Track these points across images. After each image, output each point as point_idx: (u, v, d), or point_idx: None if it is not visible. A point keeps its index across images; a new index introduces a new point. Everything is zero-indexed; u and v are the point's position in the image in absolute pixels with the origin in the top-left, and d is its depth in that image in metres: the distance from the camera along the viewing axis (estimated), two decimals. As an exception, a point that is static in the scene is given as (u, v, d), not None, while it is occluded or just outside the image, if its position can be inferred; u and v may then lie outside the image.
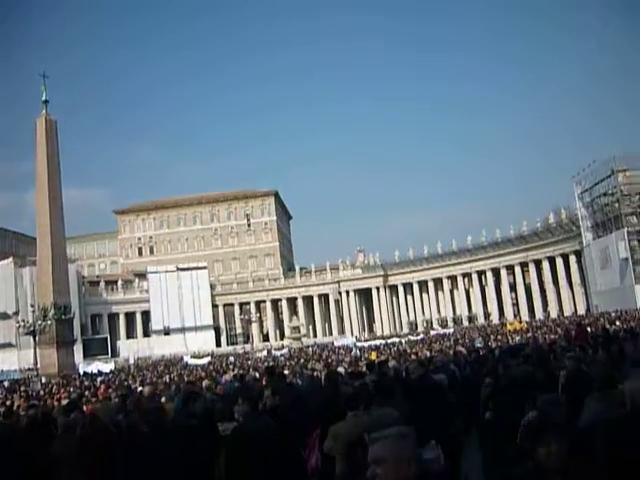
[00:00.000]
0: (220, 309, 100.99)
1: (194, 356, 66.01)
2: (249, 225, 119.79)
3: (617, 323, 34.36)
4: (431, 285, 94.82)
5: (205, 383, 16.72)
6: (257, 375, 19.69)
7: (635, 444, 4.36)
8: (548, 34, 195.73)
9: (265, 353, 61.95)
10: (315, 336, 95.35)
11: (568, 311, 75.20)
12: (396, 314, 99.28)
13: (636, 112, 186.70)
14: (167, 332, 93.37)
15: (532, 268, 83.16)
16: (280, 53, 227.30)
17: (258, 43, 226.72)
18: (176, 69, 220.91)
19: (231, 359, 54.73)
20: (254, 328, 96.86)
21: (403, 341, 52.48)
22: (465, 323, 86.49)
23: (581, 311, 71.63)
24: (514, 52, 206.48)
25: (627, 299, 59.17)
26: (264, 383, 12.53)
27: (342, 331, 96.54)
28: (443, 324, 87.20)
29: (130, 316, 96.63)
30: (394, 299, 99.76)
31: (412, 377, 9.16)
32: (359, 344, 56.00)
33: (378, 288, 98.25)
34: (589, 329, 29.53)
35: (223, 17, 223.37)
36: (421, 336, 60.47)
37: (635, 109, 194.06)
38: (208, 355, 66.25)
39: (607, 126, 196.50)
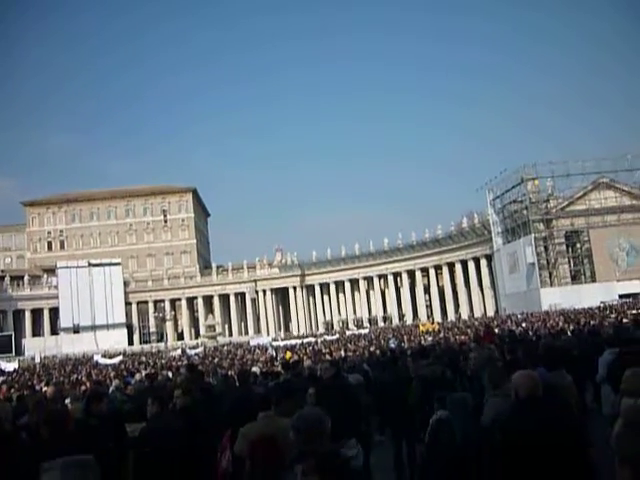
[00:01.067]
0: (133, 307, 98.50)
1: (105, 355, 63.99)
2: (166, 221, 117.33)
3: (523, 325, 35.74)
4: (347, 286, 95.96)
5: (115, 383, 16.22)
6: (169, 375, 19.27)
7: (518, 431, 4.74)
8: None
9: (179, 352, 60.80)
10: (231, 335, 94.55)
11: (478, 313, 77.87)
12: (312, 314, 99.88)
13: (548, 120, 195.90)
14: (77, 330, 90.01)
15: (445, 271, 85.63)
16: (206, 49, 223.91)
17: (178, 33, 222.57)
18: (100, 64, 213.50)
19: (143, 358, 53.41)
20: (168, 327, 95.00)
21: (319, 341, 52.72)
22: (380, 323, 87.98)
23: (490, 313, 74.27)
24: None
25: (533, 302, 61.83)
26: (177, 382, 12.26)
27: (258, 330, 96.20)
28: (359, 324, 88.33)
29: (37, 313, 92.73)
30: (311, 299, 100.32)
31: (325, 377, 9.17)
32: (275, 343, 55.88)
33: (295, 288, 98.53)
34: (497, 330, 30.68)
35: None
36: (336, 336, 60.94)
37: (548, 116, 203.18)
38: (120, 354, 64.35)
39: (520, 133, 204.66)
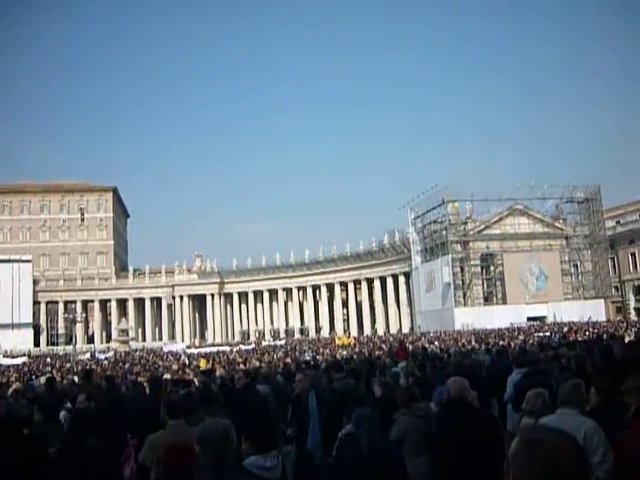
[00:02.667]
0: (42, 306, 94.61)
1: (7, 355, 61.16)
2: (83, 220, 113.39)
3: (435, 343, 36.52)
4: (266, 296, 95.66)
5: (15, 386, 15.48)
6: (75, 379, 18.54)
7: (451, 421, 5.62)
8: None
9: (88, 356, 58.86)
10: (144, 340, 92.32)
11: (394, 329, 79.17)
12: (229, 322, 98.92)
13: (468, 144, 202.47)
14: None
15: (364, 286, 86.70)
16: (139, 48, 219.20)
17: (105, 33, 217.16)
18: (20, 53, 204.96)
19: (48, 360, 51.35)
20: (79, 329, 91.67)
21: (234, 350, 52.23)
22: (297, 335, 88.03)
23: (406, 329, 75.65)
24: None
25: (447, 321, 63.49)
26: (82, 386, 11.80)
27: (173, 337, 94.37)
28: (275, 335, 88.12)
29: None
30: (229, 307, 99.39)
31: (237, 386, 9.07)
32: (189, 351, 55.01)
33: (213, 295, 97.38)
34: (413, 347, 31.25)
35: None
36: (252, 346, 60.57)
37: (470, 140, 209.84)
38: (24, 355, 61.69)
39: (443, 155, 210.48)
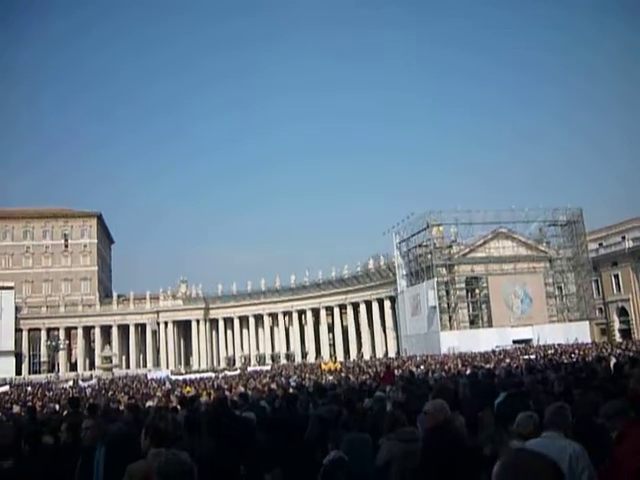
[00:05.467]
0: (24, 334, 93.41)
1: (-12, 384, 60.15)
2: (66, 246, 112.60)
3: (421, 367, 36.47)
4: (252, 321, 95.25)
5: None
6: (57, 407, 18.25)
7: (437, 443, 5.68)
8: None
9: (71, 383, 58.06)
10: (128, 367, 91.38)
11: (380, 353, 78.95)
12: (215, 348, 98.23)
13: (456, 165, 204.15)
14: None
15: (350, 310, 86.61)
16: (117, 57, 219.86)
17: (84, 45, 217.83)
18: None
19: (29, 389, 50.53)
20: (61, 356, 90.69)
21: (220, 376, 51.84)
22: (283, 361, 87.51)
23: (392, 354, 75.38)
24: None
25: (433, 344, 63.40)
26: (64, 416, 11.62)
27: (158, 363, 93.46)
28: (261, 361, 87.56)
29: None
30: (214, 333, 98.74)
31: (224, 413, 8.96)
32: (173, 377, 54.46)
33: (198, 321, 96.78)
34: (399, 371, 31.16)
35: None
36: (238, 372, 60.12)
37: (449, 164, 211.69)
38: (5, 384, 60.68)
39: (429, 179, 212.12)
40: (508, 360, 35.29)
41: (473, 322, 69.51)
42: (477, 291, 71.08)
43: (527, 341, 61.81)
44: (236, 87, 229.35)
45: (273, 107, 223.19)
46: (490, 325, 67.05)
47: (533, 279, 68.84)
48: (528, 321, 66.25)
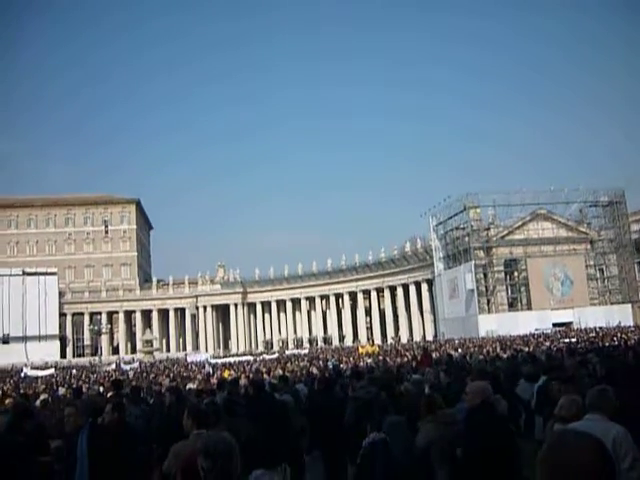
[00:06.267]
0: (68, 318, 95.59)
1: (35, 367, 61.79)
2: (107, 232, 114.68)
3: (459, 350, 36.25)
4: (289, 305, 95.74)
5: (42, 397, 15.64)
6: (101, 389, 18.69)
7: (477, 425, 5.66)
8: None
9: (113, 366, 59.30)
10: (169, 351, 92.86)
11: (418, 336, 78.72)
12: (253, 332, 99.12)
13: (492, 149, 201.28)
14: (6, 340, 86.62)
15: (387, 294, 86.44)
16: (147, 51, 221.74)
17: (115, 29, 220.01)
18: (39, 63, 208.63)
19: (74, 372, 51.78)
20: (104, 340, 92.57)
21: (258, 359, 52.30)
22: (320, 344, 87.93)
23: (429, 337, 75.17)
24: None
25: (471, 328, 62.95)
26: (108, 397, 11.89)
27: (197, 347, 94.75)
28: (298, 344, 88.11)
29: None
30: (252, 317, 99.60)
31: (260, 396, 9.08)
32: (213, 361, 55.10)
33: (236, 305, 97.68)
34: (437, 354, 31.06)
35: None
36: (276, 355, 60.55)
37: (492, 145, 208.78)
38: (51, 367, 62.26)
39: (464, 162, 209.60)
40: (548, 343, 34.85)
41: (512, 305, 68.80)
42: (516, 274, 70.26)
43: (568, 324, 60.94)
44: (285, 70, 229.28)
45: (324, 91, 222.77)
46: (529, 308, 66.29)
47: (574, 261, 67.69)
48: (569, 304, 65.30)
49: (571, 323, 61.84)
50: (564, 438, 2.07)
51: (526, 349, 27.62)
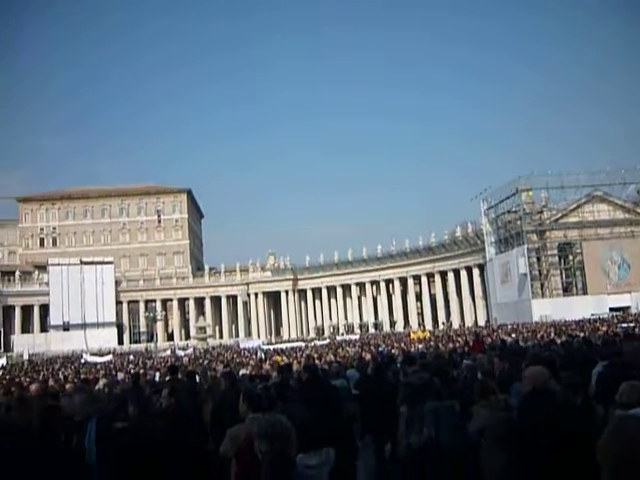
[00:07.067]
0: (124, 306, 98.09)
1: (94, 354, 63.77)
2: (159, 221, 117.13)
3: (513, 335, 35.77)
4: (339, 291, 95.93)
5: (102, 382, 16.13)
6: (157, 375, 19.16)
7: (535, 412, 5.53)
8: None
9: (169, 353, 60.67)
10: (221, 337, 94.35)
11: (469, 322, 77.95)
12: (304, 318, 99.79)
13: (539, 133, 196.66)
14: (66, 328, 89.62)
15: (438, 279, 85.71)
16: (202, 53, 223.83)
17: (169, 28, 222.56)
18: (94, 60, 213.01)
19: (131, 357, 53.21)
20: (159, 327, 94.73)
21: (309, 345, 52.72)
22: (371, 330, 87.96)
23: (481, 322, 74.29)
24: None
25: (524, 312, 61.91)
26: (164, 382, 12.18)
27: (249, 333, 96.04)
28: (349, 330, 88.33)
29: (27, 309, 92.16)
30: (302, 303, 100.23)
31: (314, 381, 9.15)
32: (265, 347, 55.78)
33: (287, 292, 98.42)
34: (489, 339, 30.73)
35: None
36: (327, 341, 60.91)
37: (537, 130, 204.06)
38: (109, 353, 64.14)
39: (513, 145, 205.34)
40: (604, 328, 34.05)
41: (567, 289, 67.32)
42: (570, 257, 68.67)
43: (625, 309, 59.32)
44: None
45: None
46: (585, 292, 64.76)
47: (631, 244, 65.61)
48: (626, 288, 63.48)
49: (629, 308, 60.15)
50: (626, 424, 2.04)
51: (581, 334, 27.05)
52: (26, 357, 67.59)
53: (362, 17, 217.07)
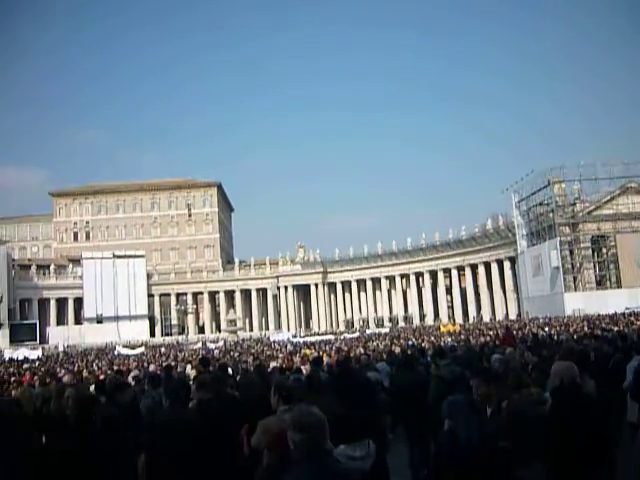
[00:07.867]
0: (156, 299, 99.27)
1: (126, 346, 64.68)
2: (190, 215, 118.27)
3: (545, 329, 35.36)
4: (369, 284, 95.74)
5: (134, 373, 16.35)
6: (189, 368, 19.36)
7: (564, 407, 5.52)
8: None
9: (200, 345, 61.22)
10: (252, 330, 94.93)
11: (500, 315, 77.14)
12: (333, 311, 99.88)
13: (573, 122, 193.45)
14: (100, 320, 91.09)
15: (468, 272, 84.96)
16: (227, 46, 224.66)
17: (205, 40, 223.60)
18: (127, 57, 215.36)
19: (163, 350, 53.81)
20: (190, 320, 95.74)
21: (339, 338, 52.74)
22: (401, 323, 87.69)
23: (513, 316, 73.47)
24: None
25: (556, 306, 61.07)
26: (195, 374, 12.29)
27: (279, 326, 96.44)
28: (379, 323, 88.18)
29: (62, 302, 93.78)
30: (332, 296, 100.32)
31: (344, 374, 9.17)
32: (295, 340, 55.95)
33: (317, 285, 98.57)
34: (520, 333, 30.44)
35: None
36: (357, 334, 60.87)
37: (571, 118, 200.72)
38: (141, 345, 65.00)
39: (544, 137, 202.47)
40: (639, 323, 33.46)
41: (600, 283, 66.15)
42: (604, 250, 67.42)
43: (661, 303, 58.12)
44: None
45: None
46: (619, 286, 63.61)
47: (667, 237, 64.24)
48: (662, 282, 62.19)
49: (665, 301, 58.94)
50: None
51: (615, 328, 26.62)
52: (61, 349, 68.92)
53: (362, 15, 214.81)
